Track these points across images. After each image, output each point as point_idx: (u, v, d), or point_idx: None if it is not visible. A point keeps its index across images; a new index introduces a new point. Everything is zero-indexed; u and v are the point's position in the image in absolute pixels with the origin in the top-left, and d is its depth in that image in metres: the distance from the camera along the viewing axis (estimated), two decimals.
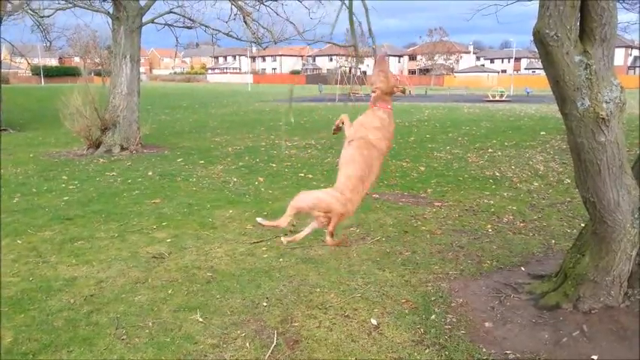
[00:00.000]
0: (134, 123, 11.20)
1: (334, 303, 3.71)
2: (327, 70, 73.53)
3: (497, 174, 8.43)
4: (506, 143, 12.02)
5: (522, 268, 4.30)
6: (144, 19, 11.35)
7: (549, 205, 6.43)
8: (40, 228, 5.53)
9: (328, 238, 2.98)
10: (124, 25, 10.78)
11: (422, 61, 77.58)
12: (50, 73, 67.10)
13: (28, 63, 32.04)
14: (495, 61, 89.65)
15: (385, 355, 3.05)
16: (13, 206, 6.44)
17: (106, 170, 8.94)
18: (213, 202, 6.67)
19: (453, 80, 69.85)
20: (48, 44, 19.61)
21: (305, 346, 3.15)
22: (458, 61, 76.27)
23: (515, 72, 72.81)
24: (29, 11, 13.62)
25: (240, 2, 12.17)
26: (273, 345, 3.15)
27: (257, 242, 5.04)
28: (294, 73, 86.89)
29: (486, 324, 3.37)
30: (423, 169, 8.94)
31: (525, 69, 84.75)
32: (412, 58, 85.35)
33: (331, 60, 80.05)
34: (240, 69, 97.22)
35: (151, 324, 3.41)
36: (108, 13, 11.28)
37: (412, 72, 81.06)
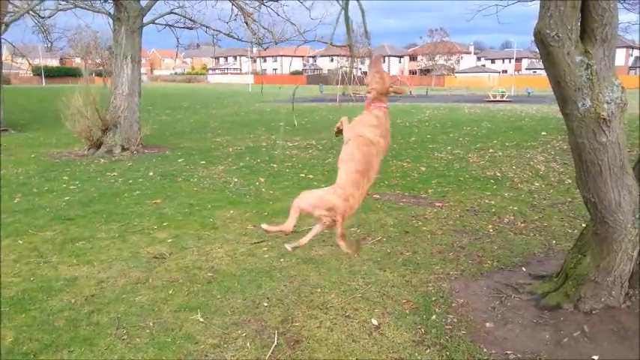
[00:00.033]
0: (135, 123, 11.21)
1: (335, 303, 3.71)
2: (328, 70, 73.55)
3: (498, 174, 8.43)
4: (507, 143, 12.01)
5: (523, 269, 4.29)
6: (145, 20, 11.36)
7: (550, 206, 6.43)
8: (41, 228, 5.54)
9: (341, 243, 2.97)
10: (124, 25, 10.79)
11: (423, 62, 77.58)
12: (51, 74, 67.18)
13: (29, 63, 32.10)
14: (496, 61, 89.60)
15: (386, 355, 3.05)
16: (14, 206, 6.45)
17: (107, 170, 8.95)
18: (214, 202, 6.67)
19: (453, 81, 69.83)
20: (49, 45, 19.64)
21: (306, 346, 3.15)
22: (459, 61, 76.25)
23: (516, 72, 72.79)
24: (30, 12, 13.62)
25: (240, 3, 12.18)
26: (274, 345, 3.15)
27: (258, 242, 5.05)
28: (295, 73, 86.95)
29: (487, 324, 3.37)
30: (423, 169, 8.94)
31: (526, 69, 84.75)
32: (413, 58, 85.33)
33: (332, 60, 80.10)
34: (240, 69, 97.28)
35: (151, 324, 3.41)
36: (109, 14, 11.29)
37: (413, 72, 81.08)
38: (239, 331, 3.32)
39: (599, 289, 3.33)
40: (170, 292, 3.92)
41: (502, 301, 3.66)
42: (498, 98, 32.93)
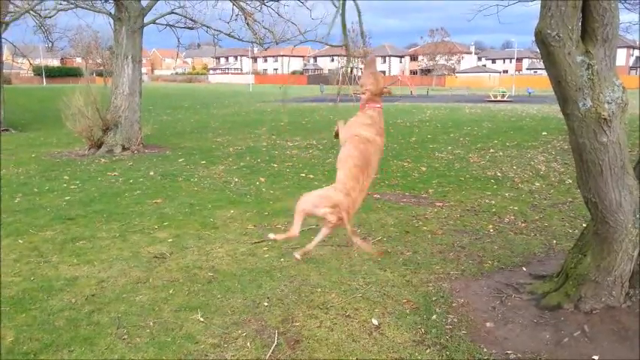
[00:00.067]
0: (136, 123, 11.22)
1: (335, 303, 3.71)
2: (329, 70, 73.57)
3: (499, 174, 8.42)
4: (507, 143, 12.01)
5: (524, 269, 4.29)
6: (145, 20, 11.36)
7: (551, 206, 6.42)
8: (41, 228, 5.54)
9: (356, 239, 2.99)
10: (125, 25, 10.80)
11: (423, 62, 77.58)
12: (52, 74, 67.26)
13: (30, 63, 32.13)
14: (497, 61, 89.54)
15: (386, 355, 3.05)
16: (15, 206, 6.45)
17: (108, 170, 8.95)
18: (215, 202, 6.67)
19: (454, 80, 69.83)
20: (50, 45, 19.65)
21: (306, 346, 3.15)
22: (459, 61, 76.26)
23: (516, 72, 72.77)
24: (31, 12, 13.64)
25: (241, 3, 12.18)
26: (274, 345, 3.15)
27: (258, 242, 5.04)
28: (296, 73, 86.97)
29: (487, 324, 3.37)
30: (424, 169, 8.94)
31: (527, 69, 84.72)
32: (414, 58, 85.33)
33: (332, 60, 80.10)
34: (241, 69, 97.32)
35: (152, 324, 3.41)
36: (110, 14, 11.30)
37: (414, 72, 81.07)
38: (239, 331, 3.32)
39: (600, 289, 3.32)
40: (170, 291, 3.92)
41: (502, 301, 3.66)
42: (499, 98, 32.93)
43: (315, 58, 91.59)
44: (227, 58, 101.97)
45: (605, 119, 3.02)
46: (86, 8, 11.79)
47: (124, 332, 3.30)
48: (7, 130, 14.89)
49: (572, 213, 6.06)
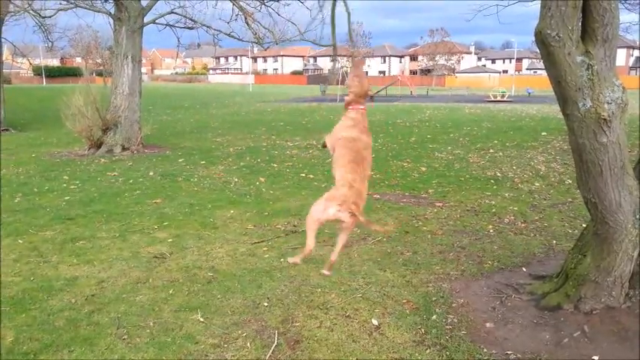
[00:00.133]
0: (135, 123, 11.21)
1: (335, 303, 3.70)
2: (329, 70, 73.54)
3: (499, 174, 8.43)
4: (507, 144, 12.01)
5: (523, 269, 4.29)
6: (145, 20, 11.36)
7: (551, 206, 6.42)
8: (41, 228, 5.54)
9: (376, 227, 3.06)
10: (125, 25, 10.79)
11: (423, 62, 77.57)
12: (52, 74, 67.27)
13: (30, 63, 32.14)
14: (497, 61, 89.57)
15: (386, 356, 3.05)
16: (15, 206, 6.45)
17: (108, 170, 8.95)
18: (215, 202, 6.67)
19: (454, 81, 69.84)
20: (50, 45, 19.64)
21: (306, 346, 3.15)
22: (459, 61, 76.26)
23: (516, 72, 72.78)
24: (31, 12, 13.63)
25: (241, 3, 12.18)
26: (274, 345, 3.15)
27: (258, 242, 5.04)
28: (296, 73, 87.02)
29: (487, 324, 3.37)
30: (424, 169, 8.94)
31: (527, 69, 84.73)
32: (413, 58, 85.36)
33: (332, 61, 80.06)
34: (241, 69, 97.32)
35: (152, 324, 3.41)
36: (109, 14, 11.30)
37: (414, 72, 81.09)
38: (239, 331, 3.32)
39: (600, 289, 3.32)
40: (170, 291, 3.92)
41: (502, 302, 3.66)
42: (499, 98, 32.92)
43: (315, 58, 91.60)
44: (227, 58, 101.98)
45: (604, 119, 3.02)
46: (86, 8, 11.79)
47: (123, 332, 3.30)
48: (7, 129, 14.89)
49: (572, 213, 6.06)
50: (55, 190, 7.35)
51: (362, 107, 3.12)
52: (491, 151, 10.98)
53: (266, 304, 3.70)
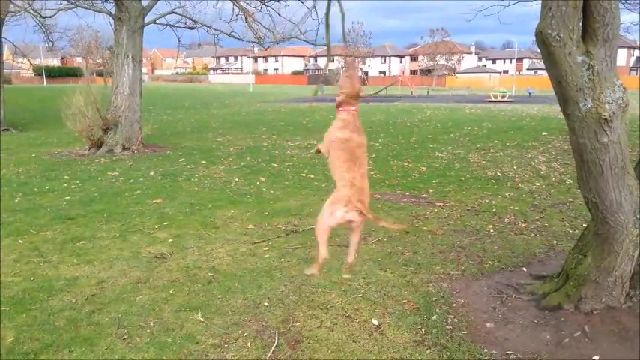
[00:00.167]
0: (136, 123, 11.22)
1: (335, 303, 3.71)
2: (329, 70, 73.55)
3: (499, 174, 8.42)
4: (508, 144, 12.00)
5: (524, 269, 4.29)
6: (146, 20, 11.36)
7: (551, 206, 6.42)
8: (41, 228, 5.54)
9: (383, 223, 3.17)
10: (126, 25, 10.79)
11: (424, 62, 77.57)
12: (52, 74, 67.33)
13: (31, 63, 32.17)
14: (497, 61, 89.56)
15: (386, 356, 3.05)
16: (15, 206, 6.46)
17: (108, 170, 8.95)
18: (215, 202, 6.67)
19: (454, 81, 69.82)
20: (50, 45, 19.65)
21: (306, 346, 3.15)
22: (460, 61, 76.25)
23: (517, 72, 72.77)
24: (31, 12, 13.65)
25: (242, 3, 12.18)
26: (275, 345, 3.15)
27: (258, 242, 5.05)
28: (296, 73, 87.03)
29: (488, 324, 3.37)
30: (424, 169, 8.93)
31: (527, 69, 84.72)
32: (414, 58, 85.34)
33: (333, 60, 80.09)
34: (241, 69, 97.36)
35: (152, 324, 3.41)
36: (110, 14, 11.30)
37: (414, 72, 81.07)
38: (240, 331, 3.32)
39: (600, 289, 3.32)
40: (171, 291, 3.92)
41: (503, 302, 3.66)
42: (499, 98, 32.91)
43: (315, 58, 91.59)
44: (227, 58, 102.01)
45: (605, 119, 3.02)
46: (87, 8, 11.79)
47: (124, 332, 3.30)
48: (7, 129, 14.90)
49: (573, 213, 6.06)
50: (55, 190, 7.35)
51: (353, 108, 3.13)
52: (491, 151, 10.97)
53: (266, 303, 3.70)
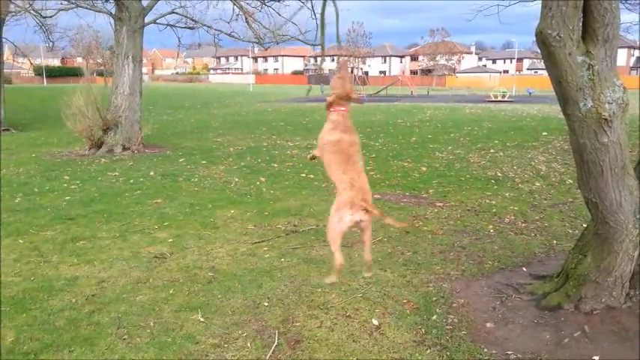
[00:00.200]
0: (136, 123, 11.22)
1: (335, 303, 3.71)
2: (329, 70, 73.56)
3: (499, 174, 8.42)
4: (508, 144, 12.00)
5: (524, 269, 4.29)
6: (146, 20, 11.37)
7: (551, 206, 6.42)
8: (41, 228, 5.54)
9: (388, 220, 3.13)
10: (126, 25, 10.80)
11: (424, 62, 77.60)
12: (53, 74, 67.35)
13: (31, 63, 32.17)
14: (497, 61, 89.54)
15: (386, 356, 3.05)
16: (15, 206, 6.46)
17: (108, 170, 8.95)
18: (215, 202, 6.67)
19: (454, 81, 69.82)
20: (50, 45, 19.66)
21: (306, 346, 3.15)
22: (460, 61, 76.26)
23: (517, 72, 72.79)
24: (32, 12, 13.65)
25: (242, 3, 12.18)
26: (275, 345, 3.15)
27: (258, 242, 5.05)
28: (297, 73, 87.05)
29: (488, 324, 3.37)
30: (424, 169, 8.93)
31: (527, 69, 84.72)
32: (414, 58, 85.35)
33: (333, 60, 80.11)
34: (242, 69, 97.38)
35: (152, 324, 3.41)
36: (110, 14, 11.31)
37: (414, 72, 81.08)
38: (240, 331, 3.32)
39: (600, 289, 3.32)
40: (171, 291, 3.92)
41: (503, 302, 3.66)
42: (499, 98, 32.90)
43: (315, 58, 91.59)
44: (227, 58, 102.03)
45: (605, 119, 3.02)
46: (87, 8, 11.80)
47: (124, 332, 3.30)
48: (7, 129, 14.91)
49: (573, 213, 6.05)
50: (55, 190, 7.35)
51: (343, 109, 3.13)
52: (491, 151, 10.97)
53: (266, 304, 3.70)
